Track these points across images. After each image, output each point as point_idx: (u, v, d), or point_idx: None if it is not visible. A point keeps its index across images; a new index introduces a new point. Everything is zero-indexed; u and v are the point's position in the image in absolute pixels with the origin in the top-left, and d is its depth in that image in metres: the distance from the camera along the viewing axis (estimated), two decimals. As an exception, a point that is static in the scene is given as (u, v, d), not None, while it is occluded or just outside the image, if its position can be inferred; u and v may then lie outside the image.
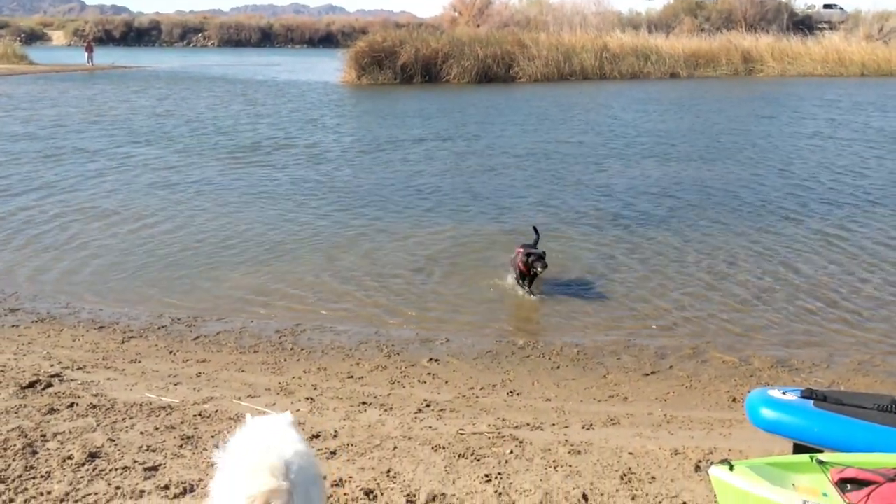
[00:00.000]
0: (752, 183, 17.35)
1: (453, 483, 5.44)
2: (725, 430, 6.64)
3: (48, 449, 5.82)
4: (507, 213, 14.74)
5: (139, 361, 8.06)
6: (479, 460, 5.86)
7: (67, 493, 5.16)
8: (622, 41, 55.52)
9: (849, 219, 14.14)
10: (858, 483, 4.34)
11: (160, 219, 14.10)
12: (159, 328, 9.21)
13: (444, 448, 6.06)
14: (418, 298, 10.31)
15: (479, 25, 69.54)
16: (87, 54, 65.06)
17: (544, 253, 10.21)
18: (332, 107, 33.06)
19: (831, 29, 71.61)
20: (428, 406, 7.05)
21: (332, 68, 52.11)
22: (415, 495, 5.30)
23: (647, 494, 5.34)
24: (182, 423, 6.46)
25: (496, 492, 5.33)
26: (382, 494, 5.30)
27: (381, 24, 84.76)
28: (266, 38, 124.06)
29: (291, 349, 8.64)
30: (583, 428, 6.62)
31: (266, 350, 8.61)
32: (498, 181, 17.65)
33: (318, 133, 25.19)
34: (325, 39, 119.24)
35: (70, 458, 5.68)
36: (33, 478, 5.37)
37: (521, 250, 10.22)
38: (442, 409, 6.97)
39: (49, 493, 5.17)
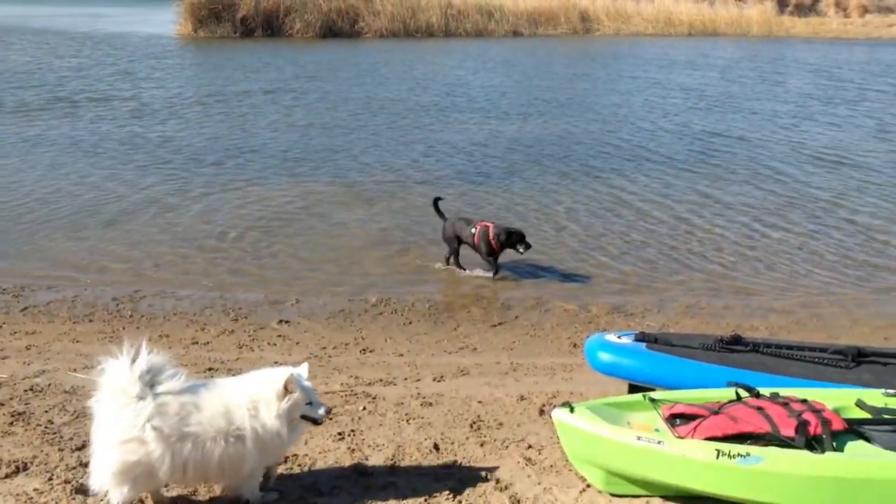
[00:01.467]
0: (576, 140, 18.05)
1: (305, 443, 5.41)
2: (567, 375, 6.97)
3: None
4: (346, 170, 14.60)
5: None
6: (331, 419, 5.85)
7: None
8: (465, -1, 55.82)
9: (656, 172, 15.02)
10: (686, 417, 4.68)
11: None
12: (-18, 300, 8.53)
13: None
14: (264, 260, 10.10)
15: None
16: None
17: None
18: (163, 60, 31.32)
19: (662, -10, 75.03)
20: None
21: (166, 20, 49.29)
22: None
23: (494, 440, 5.53)
24: (11, 398, 6.05)
25: (349, 448, 5.36)
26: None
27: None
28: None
29: (130, 316, 8.26)
30: (434, 380, 6.75)
31: (102, 318, 8.19)
32: (336, 138, 17.40)
33: (146, 87, 23.83)
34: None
35: None
36: None
37: (490, 226, 9.45)
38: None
39: None
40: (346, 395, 6.32)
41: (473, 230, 9.51)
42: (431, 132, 18.38)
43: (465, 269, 9.77)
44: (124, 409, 4.10)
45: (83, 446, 5.26)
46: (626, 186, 13.90)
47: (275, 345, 7.66)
